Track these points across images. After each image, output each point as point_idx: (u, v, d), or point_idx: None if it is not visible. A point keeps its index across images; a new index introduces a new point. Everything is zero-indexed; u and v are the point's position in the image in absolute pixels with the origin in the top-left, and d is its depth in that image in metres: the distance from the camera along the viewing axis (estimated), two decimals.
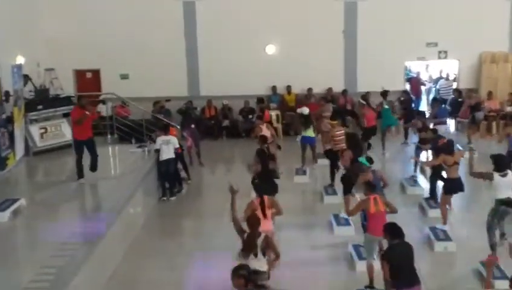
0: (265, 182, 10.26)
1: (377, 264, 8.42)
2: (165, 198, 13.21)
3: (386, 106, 16.23)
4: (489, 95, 17.92)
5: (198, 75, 19.70)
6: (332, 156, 13.24)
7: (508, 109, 17.91)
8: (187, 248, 10.70)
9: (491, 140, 16.37)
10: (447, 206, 11.02)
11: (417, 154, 13.81)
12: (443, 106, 17.17)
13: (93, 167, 12.46)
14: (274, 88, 19.57)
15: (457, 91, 18.56)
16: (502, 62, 19.06)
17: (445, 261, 9.77)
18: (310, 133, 14.67)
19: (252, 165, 11.44)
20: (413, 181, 13.57)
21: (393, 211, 8.73)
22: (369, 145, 15.49)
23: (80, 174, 12.26)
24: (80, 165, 12.24)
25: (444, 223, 10.72)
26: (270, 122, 16.55)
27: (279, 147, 13.90)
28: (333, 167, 13.32)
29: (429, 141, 12.67)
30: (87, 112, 12.20)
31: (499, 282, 8.32)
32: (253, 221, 7.64)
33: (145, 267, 9.78)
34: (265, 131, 13.75)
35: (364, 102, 16.51)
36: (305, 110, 15.16)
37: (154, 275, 9.55)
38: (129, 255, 10.16)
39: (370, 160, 10.22)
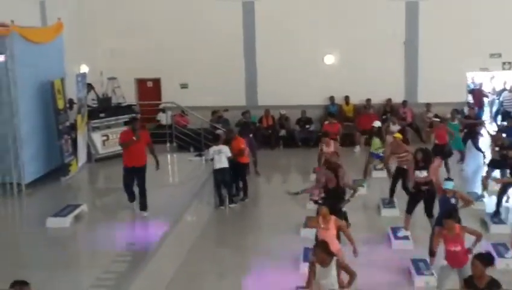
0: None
1: None
2: (223, 207, 13.30)
3: (454, 123, 15.60)
4: None
5: (256, 84, 19.80)
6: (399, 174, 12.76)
7: None
8: (243, 258, 10.71)
9: None
10: None
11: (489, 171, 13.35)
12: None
13: (143, 205, 10.80)
14: (332, 98, 19.46)
15: None
16: None
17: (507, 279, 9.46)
18: (379, 148, 14.44)
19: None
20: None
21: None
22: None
23: (131, 197, 10.96)
24: (129, 190, 10.86)
25: None
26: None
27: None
28: (395, 184, 12.89)
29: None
30: (134, 138, 10.58)
31: None
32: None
33: (201, 276, 9.85)
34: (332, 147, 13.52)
35: (439, 119, 15.66)
36: (378, 124, 14.96)
37: (210, 285, 9.61)
38: (186, 264, 10.26)
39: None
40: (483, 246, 10.17)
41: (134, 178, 10.73)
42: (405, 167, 12.36)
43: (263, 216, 13.41)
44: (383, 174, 14.96)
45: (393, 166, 13.17)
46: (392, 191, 12.87)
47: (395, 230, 11.21)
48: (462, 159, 15.77)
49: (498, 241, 10.50)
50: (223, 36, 19.32)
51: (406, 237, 10.93)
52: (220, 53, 19.26)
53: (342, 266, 7.30)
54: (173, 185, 13.25)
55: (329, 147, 13.52)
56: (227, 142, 13.50)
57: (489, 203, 12.72)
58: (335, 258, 7.29)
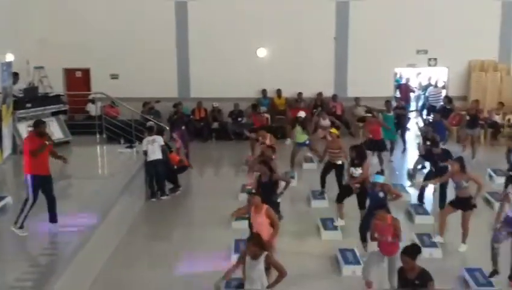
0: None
1: None
2: (154, 199, 13.20)
3: (390, 114, 15.98)
4: (476, 103, 17.90)
5: (188, 76, 19.69)
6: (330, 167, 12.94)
7: (496, 117, 18.04)
8: (174, 251, 10.66)
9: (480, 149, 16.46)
10: None
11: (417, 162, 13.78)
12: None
13: (53, 217, 9.52)
14: (264, 91, 19.59)
15: (447, 98, 18.65)
16: (491, 70, 19.18)
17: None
18: (303, 138, 14.68)
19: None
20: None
21: None
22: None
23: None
24: (28, 213, 9.33)
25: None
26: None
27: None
28: (325, 177, 13.08)
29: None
30: (46, 142, 9.39)
31: None
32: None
33: (131, 270, 9.76)
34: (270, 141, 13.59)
35: (370, 114, 15.82)
36: (303, 114, 15.17)
37: (140, 277, 9.52)
38: (115, 257, 10.14)
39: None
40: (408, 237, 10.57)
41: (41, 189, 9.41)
42: (337, 162, 12.63)
43: (195, 208, 13.38)
44: (313, 166, 15.24)
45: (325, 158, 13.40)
46: (323, 182, 13.09)
47: (324, 221, 11.42)
48: (391, 150, 16.20)
49: (422, 232, 10.87)
50: (155, 27, 19.11)
51: (335, 228, 11.16)
52: (152, 44, 19.03)
53: (270, 263, 7.26)
54: (102, 178, 13.00)
55: (266, 139, 13.60)
56: (150, 131, 13.41)
57: (415, 194, 13.16)
58: (265, 253, 7.27)
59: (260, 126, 15.91)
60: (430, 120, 16.16)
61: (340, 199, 11.38)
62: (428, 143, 13.09)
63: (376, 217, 8.59)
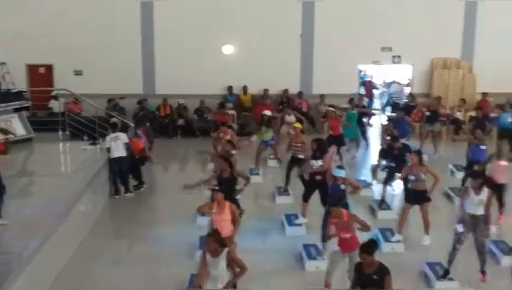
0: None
1: None
2: (118, 196, 13.10)
3: (353, 111, 16.09)
4: (438, 99, 18.17)
5: (153, 73, 19.55)
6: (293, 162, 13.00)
7: (458, 114, 18.34)
8: (137, 248, 10.61)
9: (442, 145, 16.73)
10: None
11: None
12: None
13: None
14: (230, 88, 19.57)
15: (410, 95, 18.89)
16: (453, 68, 19.48)
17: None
18: (268, 136, 14.75)
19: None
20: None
21: None
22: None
23: None
24: None
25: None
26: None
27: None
28: (290, 172, 13.16)
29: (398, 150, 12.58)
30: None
31: None
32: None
33: (94, 268, 9.68)
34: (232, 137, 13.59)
35: (333, 109, 15.71)
36: (268, 113, 15.24)
37: (103, 275, 9.45)
38: (78, 255, 10.04)
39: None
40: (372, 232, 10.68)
41: None
42: (300, 156, 12.70)
43: (159, 205, 13.32)
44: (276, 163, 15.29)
45: (288, 154, 13.46)
46: (287, 178, 13.15)
47: (288, 217, 11.48)
48: (356, 147, 16.36)
49: (385, 227, 11.00)
50: (120, 23, 18.92)
51: (299, 224, 11.23)
52: (116, 40, 18.83)
53: (231, 259, 7.24)
54: (65, 175, 12.84)
55: (227, 135, 13.60)
56: (114, 128, 13.29)
57: (377, 190, 13.31)
58: (226, 249, 7.25)
59: (222, 123, 15.79)
60: (392, 116, 16.38)
61: (306, 198, 11.42)
62: (388, 138, 13.32)
63: (332, 215, 8.61)
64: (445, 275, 9.06)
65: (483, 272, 9.07)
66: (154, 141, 15.96)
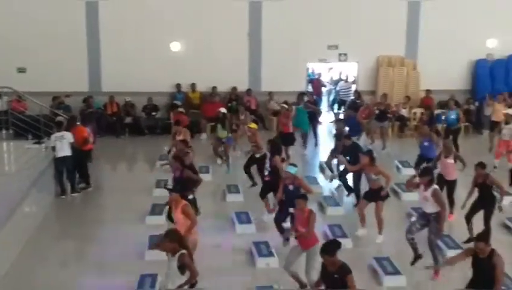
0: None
1: None
2: (64, 196, 12.84)
3: (301, 106, 16.22)
4: (384, 97, 18.53)
5: (99, 70, 19.22)
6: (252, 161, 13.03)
7: (403, 111, 18.75)
8: (85, 249, 10.43)
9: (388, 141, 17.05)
10: None
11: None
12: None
13: None
14: (178, 86, 19.43)
15: (357, 92, 19.20)
16: (398, 66, 19.88)
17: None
18: (223, 134, 14.76)
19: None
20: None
21: None
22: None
23: None
24: None
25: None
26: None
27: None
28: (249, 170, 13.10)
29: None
30: None
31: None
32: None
33: (40, 269, 9.45)
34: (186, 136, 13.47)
35: (286, 106, 15.72)
36: (223, 110, 15.24)
37: (49, 276, 9.24)
38: (23, 257, 9.79)
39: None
40: (321, 228, 10.83)
41: None
42: (256, 155, 12.76)
43: (107, 205, 13.11)
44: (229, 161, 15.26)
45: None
46: (249, 175, 13.08)
47: (239, 215, 11.50)
48: (304, 143, 16.50)
49: (334, 223, 11.14)
50: (64, 19, 18.56)
51: (249, 221, 11.26)
52: (61, 36, 18.45)
53: (183, 263, 7.09)
54: (9, 174, 12.48)
55: (180, 135, 13.52)
56: (67, 130, 13.02)
57: (326, 187, 13.48)
58: (180, 252, 7.11)
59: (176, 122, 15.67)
60: (341, 114, 16.61)
61: (263, 195, 11.44)
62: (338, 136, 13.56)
63: (297, 207, 8.71)
64: (415, 260, 9.30)
65: (436, 270, 9.14)
66: (101, 139, 15.68)
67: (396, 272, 9.18)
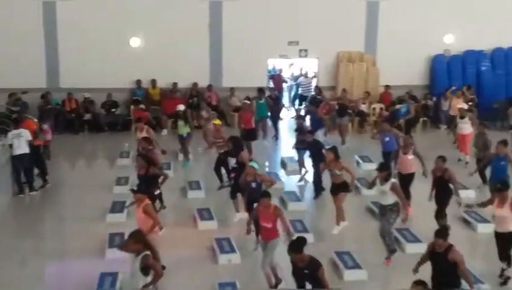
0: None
1: None
2: (22, 195, 12.61)
3: (261, 101, 16.27)
4: (344, 92, 18.69)
5: (58, 66, 18.87)
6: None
7: (363, 106, 18.96)
8: (45, 247, 10.27)
9: (348, 137, 17.22)
10: None
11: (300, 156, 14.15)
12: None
13: None
14: (138, 82, 19.23)
15: (317, 88, 19.33)
16: (357, 61, 20.07)
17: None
18: (184, 130, 14.67)
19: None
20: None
21: None
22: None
23: None
24: None
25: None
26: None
27: (163, 152, 13.42)
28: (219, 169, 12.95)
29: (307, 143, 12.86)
30: None
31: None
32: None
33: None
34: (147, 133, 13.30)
35: (248, 102, 15.86)
36: (182, 107, 15.15)
37: (8, 275, 9.08)
38: None
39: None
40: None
41: None
42: (221, 151, 12.78)
43: (67, 202, 12.90)
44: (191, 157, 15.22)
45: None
46: (219, 175, 12.97)
47: (200, 211, 11.47)
48: (264, 136, 16.59)
49: (295, 218, 11.17)
50: (21, 14, 18.17)
51: (210, 218, 11.25)
52: (17, 31, 18.04)
53: (147, 264, 7.03)
54: None
55: (142, 132, 13.38)
56: (16, 125, 12.73)
57: (288, 182, 13.56)
58: (143, 254, 7.04)
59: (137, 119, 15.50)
60: (302, 110, 16.76)
61: (233, 195, 11.39)
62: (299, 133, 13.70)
63: (261, 203, 8.76)
64: (391, 253, 9.49)
65: (387, 257, 9.47)
66: (59, 136, 15.44)
67: (356, 266, 9.30)
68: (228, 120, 18.84)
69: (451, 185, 10.40)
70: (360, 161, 14.94)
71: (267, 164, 15.37)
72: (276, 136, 17.39)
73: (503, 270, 8.96)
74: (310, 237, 10.43)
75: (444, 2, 19.63)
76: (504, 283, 8.92)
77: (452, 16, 19.62)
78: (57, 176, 14.03)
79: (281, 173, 14.39)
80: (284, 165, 14.91)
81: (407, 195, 11.39)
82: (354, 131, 18.61)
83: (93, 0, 18.58)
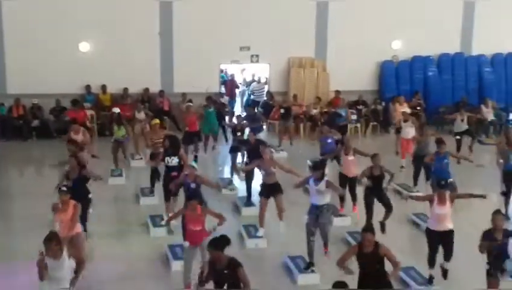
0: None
1: None
2: None
3: (211, 109, 16.26)
4: (295, 98, 18.86)
5: (4, 71, 18.42)
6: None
7: (314, 111, 19.15)
8: None
9: (300, 142, 17.39)
10: None
11: (233, 157, 14.21)
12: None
13: None
14: (88, 87, 18.95)
15: (269, 94, 19.44)
16: (308, 67, 20.26)
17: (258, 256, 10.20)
18: (119, 134, 14.47)
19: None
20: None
21: None
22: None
23: None
24: None
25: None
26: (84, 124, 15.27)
27: (93, 156, 13.21)
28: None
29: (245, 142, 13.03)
30: None
31: None
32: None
33: None
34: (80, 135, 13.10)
35: (191, 104, 16.00)
36: (117, 110, 14.98)
37: None
38: None
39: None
40: (236, 228, 10.91)
41: None
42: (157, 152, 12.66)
43: (14, 212, 12.60)
44: (141, 163, 15.06)
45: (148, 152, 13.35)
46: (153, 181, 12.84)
47: (153, 218, 11.36)
48: (214, 141, 16.57)
49: (249, 223, 11.22)
50: None
51: (165, 225, 11.14)
52: None
53: (73, 256, 7.08)
54: None
55: (78, 134, 13.12)
56: None
57: (241, 187, 13.56)
58: (64, 249, 7.07)
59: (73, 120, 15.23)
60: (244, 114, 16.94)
61: (167, 197, 11.30)
62: (239, 134, 14.17)
63: (187, 208, 8.72)
64: (308, 267, 9.39)
65: (325, 246, 9.59)
66: (6, 143, 15.07)
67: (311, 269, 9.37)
68: (180, 126, 18.72)
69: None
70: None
71: (220, 169, 15.38)
72: (225, 139, 17.27)
73: (444, 269, 9.13)
74: (263, 243, 10.56)
75: (392, 8, 20.03)
76: (444, 274, 9.08)
77: (400, 23, 20.01)
78: (3, 183, 13.66)
79: (234, 178, 14.38)
80: (237, 170, 14.89)
81: (353, 196, 11.69)
82: (305, 136, 18.78)
83: (41, 2, 18.22)
